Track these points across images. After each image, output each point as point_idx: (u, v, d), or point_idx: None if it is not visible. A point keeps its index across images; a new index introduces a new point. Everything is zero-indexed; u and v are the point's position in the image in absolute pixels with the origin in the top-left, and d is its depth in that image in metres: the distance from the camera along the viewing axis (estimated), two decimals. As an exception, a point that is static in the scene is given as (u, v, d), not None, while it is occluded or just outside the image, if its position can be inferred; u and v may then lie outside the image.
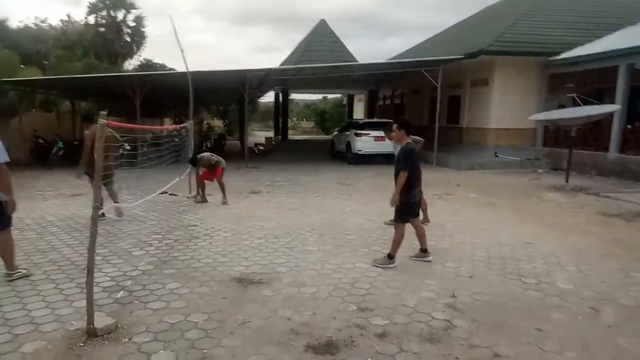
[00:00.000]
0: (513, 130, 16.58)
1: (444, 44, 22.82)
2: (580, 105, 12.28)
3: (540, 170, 13.42)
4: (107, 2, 40.05)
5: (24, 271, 4.57)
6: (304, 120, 56.85)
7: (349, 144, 17.53)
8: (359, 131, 17.02)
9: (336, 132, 22.05)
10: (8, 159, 4.23)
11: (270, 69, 15.98)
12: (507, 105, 16.33)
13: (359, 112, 32.64)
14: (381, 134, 16.89)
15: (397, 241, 4.98)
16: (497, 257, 5.31)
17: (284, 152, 21.40)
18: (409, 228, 5.14)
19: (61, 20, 40.03)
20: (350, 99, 33.08)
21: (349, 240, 6.06)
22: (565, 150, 14.73)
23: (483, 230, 6.65)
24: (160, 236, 6.25)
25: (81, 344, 3.24)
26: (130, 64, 41.35)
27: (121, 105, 25.78)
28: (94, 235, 3.43)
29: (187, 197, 9.20)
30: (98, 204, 3.47)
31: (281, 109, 29.35)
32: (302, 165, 16.13)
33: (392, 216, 5.52)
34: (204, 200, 8.76)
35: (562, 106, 15.56)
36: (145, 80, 15.08)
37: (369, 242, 5.96)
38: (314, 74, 18.11)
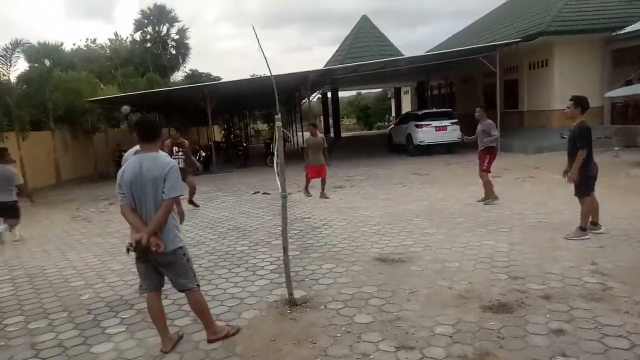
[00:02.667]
0: (578, 109, 16.32)
1: (492, 29, 22.59)
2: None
3: (617, 148, 13.25)
4: (151, 18, 41.89)
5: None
6: (344, 117, 57.21)
7: (409, 136, 17.74)
8: (419, 122, 17.21)
9: (393, 126, 22.30)
10: (182, 194, 4.33)
11: (330, 68, 16.58)
12: (569, 85, 16.04)
13: (406, 104, 32.75)
14: (442, 123, 17.16)
15: (586, 214, 5.32)
16: (616, 229, 5.55)
17: (342, 149, 21.91)
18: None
19: (109, 39, 42.12)
20: (397, 92, 33.15)
21: (460, 223, 6.45)
22: (638, 126, 14.51)
23: (586, 206, 6.85)
24: (284, 228, 6.87)
25: (288, 311, 3.82)
26: (178, 76, 43.16)
27: (178, 116, 27.05)
28: (285, 220, 4.04)
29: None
30: (286, 194, 4.05)
31: (331, 108, 29.78)
32: (365, 159, 16.57)
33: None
34: (307, 194, 9.37)
35: (629, 82, 15.26)
36: (215, 90, 15.95)
37: (480, 223, 6.33)
38: (372, 70, 18.44)
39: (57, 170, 14.98)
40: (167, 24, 41.77)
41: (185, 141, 8.55)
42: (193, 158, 8.90)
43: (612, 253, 4.74)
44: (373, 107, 48.82)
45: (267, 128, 44.38)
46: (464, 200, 8.03)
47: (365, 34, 27.05)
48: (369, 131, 42.17)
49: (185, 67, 44.29)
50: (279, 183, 4.10)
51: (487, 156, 7.65)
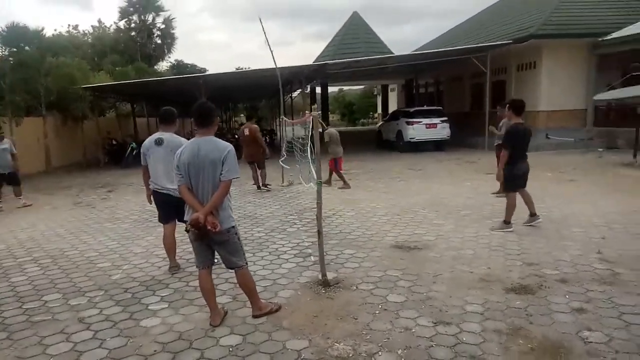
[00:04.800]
0: (563, 111, 16.96)
1: (482, 29, 23.14)
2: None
3: (601, 149, 13.85)
4: (137, 6, 41.11)
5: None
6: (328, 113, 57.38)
7: (399, 133, 18.05)
8: (410, 119, 17.53)
9: (382, 122, 22.60)
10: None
11: (326, 63, 16.72)
12: (556, 88, 16.70)
13: (392, 101, 33.16)
14: (432, 121, 17.55)
15: (508, 208, 5.81)
16: (615, 223, 5.93)
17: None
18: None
19: (92, 27, 41.20)
20: (385, 89, 33.52)
21: (467, 215, 6.75)
22: (619, 129, 15.17)
23: (582, 202, 7.25)
24: (295, 216, 7.06)
25: (323, 291, 4.02)
26: (162, 66, 42.58)
27: (159, 107, 26.69)
28: (320, 205, 4.23)
29: (280, 186, 10.03)
30: (321, 180, 4.23)
31: (320, 103, 29.86)
32: (357, 154, 16.77)
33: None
34: (347, 186, 9.51)
35: (611, 86, 15.94)
36: (210, 81, 15.91)
37: (486, 215, 6.64)
38: (366, 66, 18.66)
39: (48, 156, 14.74)
40: (153, 13, 41.14)
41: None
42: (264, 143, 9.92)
43: (615, 244, 5.09)
44: (357, 103, 49.18)
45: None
46: (465, 194, 8.34)
47: (355, 30, 27.26)
48: (353, 127, 42.48)
49: (169, 57, 43.81)
50: (314, 171, 4.27)
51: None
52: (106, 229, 6.76)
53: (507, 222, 5.79)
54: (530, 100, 17.56)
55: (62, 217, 7.82)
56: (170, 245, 4.73)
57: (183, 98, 18.98)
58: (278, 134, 27.81)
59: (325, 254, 5.05)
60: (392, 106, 32.05)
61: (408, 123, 17.49)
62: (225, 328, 3.41)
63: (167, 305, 3.86)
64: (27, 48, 13.52)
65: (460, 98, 23.12)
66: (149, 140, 4.65)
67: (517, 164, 5.73)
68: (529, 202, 5.97)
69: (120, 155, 16.33)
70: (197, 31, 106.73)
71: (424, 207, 7.43)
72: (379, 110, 39.66)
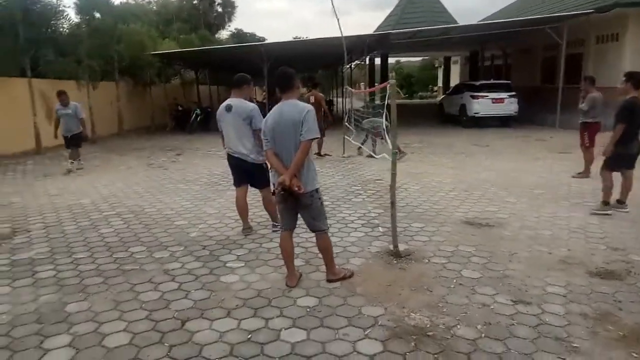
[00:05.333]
0: (648, 90, 15.53)
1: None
2: None
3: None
4: (198, -26, 41.57)
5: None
6: (385, 85, 56.17)
7: (463, 107, 17.39)
8: (475, 93, 16.80)
9: (444, 96, 21.83)
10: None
11: (389, 32, 16.28)
12: (640, 63, 15.28)
13: (454, 74, 31.85)
14: (500, 95, 16.71)
15: (604, 189, 5.39)
16: None
17: (390, 116, 21.67)
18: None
19: (156, -5, 42.21)
20: (447, 61, 32.22)
21: (540, 194, 6.43)
22: None
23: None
24: (359, 187, 7.05)
25: (395, 261, 4.02)
26: (223, 35, 43.21)
27: (226, 75, 27.24)
28: (394, 176, 4.18)
29: (342, 157, 10.02)
30: (397, 150, 4.16)
31: (380, 75, 29.30)
32: (418, 128, 16.39)
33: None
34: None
35: None
36: (269, 49, 15.94)
37: (562, 196, 6.30)
38: (430, 36, 17.95)
39: (120, 120, 15.56)
40: (215, -19, 41.59)
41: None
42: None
43: None
44: (417, 75, 47.71)
45: (306, 91, 44.30)
46: (537, 173, 7.94)
47: (419, -2, 26.18)
48: (412, 100, 41.41)
49: (229, 25, 44.37)
50: (389, 141, 4.21)
51: (586, 132, 7.45)
52: (179, 189, 7.09)
53: (606, 203, 5.42)
54: (610, 76, 16.26)
55: (138, 176, 8.29)
56: (242, 208, 4.88)
57: (245, 66, 19.19)
58: (336, 105, 27.68)
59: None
60: (455, 79, 30.77)
61: (473, 97, 16.78)
62: (300, 290, 3.50)
63: (243, 264, 4.01)
64: (98, 16, 14.14)
65: (530, 72, 21.73)
66: (221, 107, 4.78)
67: (631, 142, 5.31)
68: (627, 187, 5.51)
69: (186, 120, 16.93)
70: (256, 1, 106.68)
71: (494, 184, 7.16)
72: (439, 83, 38.27)
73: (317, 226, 3.51)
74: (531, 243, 4.48)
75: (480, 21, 26.22)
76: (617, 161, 5.39)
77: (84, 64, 12.83)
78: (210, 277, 3.75)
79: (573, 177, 7.55)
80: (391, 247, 4.25)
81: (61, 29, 12.89)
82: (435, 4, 26.22)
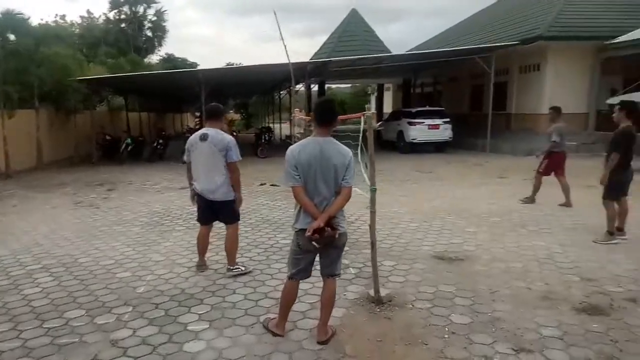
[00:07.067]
0: (565, 115, 16.82)
1: (481, 30, 23.04)
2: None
3: (604, 154, 13.75)
4: (129, -3, 40.20)
5: (243, 269, 4.56)
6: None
7: (400, 133, 17.79)
8: (412, 120, 17.28)
9: (381, 122, 22.27)
10: (241, 158, 4.50)
11: (329, 60, 16.38)
12: (559, 91, 16.57)
13: (387, 101, 32.93)
14: (435, 122, 17.31)
15: (609, 218, 5.44)
16: (656, 233, 5.69)
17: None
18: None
19: (81, 17, 40.21)
20: (380, 88, 33.27)
21: (497, 222, 6.47)
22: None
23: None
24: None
25: (378, 310, 3.66)
26: (153, 59, 41.70)
27: (150, 101, 26.07)
28: (373, 215, 3.88)
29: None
30: (375, 187, 3.88)
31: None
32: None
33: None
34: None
35: (614, 90, 15.94)
36: (207, 76, 15.37)
37: (518, 223, 6.37)
38: (368, 64, 18.37)
39: (39, 151, 14.05)
40: (144, 4, 40.34)
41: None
42: None
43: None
44: (349, 102, 48.90)
45: (239, 118, 43.79)
46: (485, 199, 8.07)
47: (354, 28, 26.92)
48: (346, 126, 42.13)
49: (159, 50, 43.04)
50: (366, 176, 3.93)
51: (546, 160, 7.64)
52: (116, 232, 6.28)
53: (611, 233, 5.44)
54: (532, 102, 17.61)
55: (65, 218, 7.30)
56: (204, 246, 4.65)
57: (180, 92, 18.40)
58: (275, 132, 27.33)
59: (363, 265, 4.75)
60: (388, 106, 31.81)
61: (410, 123, 17.24)
62: (281, 354, 3.03)
63: (208, 326, 3.45)
64: (12, 37, 12.80)
65: (459, 99, 22.99)
66: (194, 136, 4.49)
67: (627, 169, 5.44)
68: (623, 214, 5.58)
69: (114, 150, 15.73)
70: (182, 25, 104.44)
71: (449, 212, 7.13)
72: (373, 109, 39.37)
73: (335, 269, 3.24)
74: (507, 278, 4.35)
75: (410, 50, 27.48)
76: (618, 189, 5.48)
77: (-2, 90, 11.46)
78: (171, 346, 3.16)
79: (520, 202, 7.77)
80: (370, 292, 3.91)
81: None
82: (369, 33, 27.07)
